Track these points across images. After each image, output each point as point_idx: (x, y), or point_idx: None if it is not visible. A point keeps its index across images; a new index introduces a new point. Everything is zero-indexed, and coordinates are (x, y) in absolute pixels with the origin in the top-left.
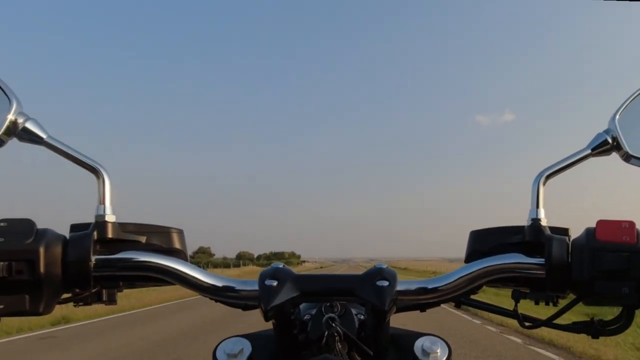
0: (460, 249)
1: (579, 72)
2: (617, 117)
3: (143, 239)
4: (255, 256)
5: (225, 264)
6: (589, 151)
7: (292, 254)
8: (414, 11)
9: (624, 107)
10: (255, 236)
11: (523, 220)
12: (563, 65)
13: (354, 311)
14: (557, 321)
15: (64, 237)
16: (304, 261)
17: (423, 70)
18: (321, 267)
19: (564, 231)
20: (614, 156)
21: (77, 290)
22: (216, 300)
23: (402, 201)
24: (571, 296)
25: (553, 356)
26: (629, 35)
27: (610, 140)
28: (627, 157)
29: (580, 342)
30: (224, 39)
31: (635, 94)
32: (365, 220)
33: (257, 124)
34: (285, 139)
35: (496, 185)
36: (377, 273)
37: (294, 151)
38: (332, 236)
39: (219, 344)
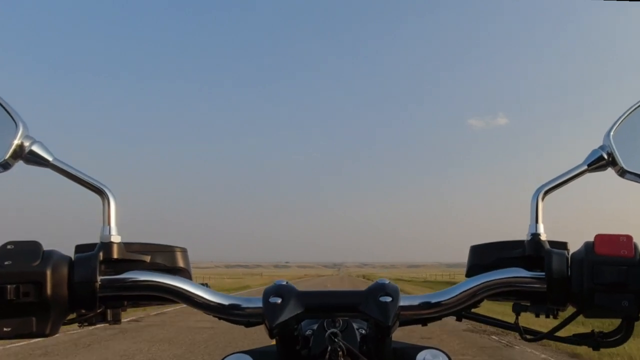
0: (456, 254)
1: (573, 76)
2: (612, 133)
3: (147, 259)
4: None
5: None
6: (585, 167)
7: None
8: (408, 18)
9: (618, 123)
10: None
11: (522, 235)
12: (558, 69)
13: (355, 326)
14: (558, 333)
15: (70, 258)
16: None
17: (419, 74)
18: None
19: (563, 245)
20: (610, 172)
21: (83, 310)
22: (220, 318)
23: (396, 206)
24: (571, 309)
25: None
26: (624, 42)
27: (605, 156)
28: (622, 173)
29: None
30: (222, 44)
31: (629, 111)
32: (359, 225)
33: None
34: (282, 142)
35: (491, 188)
36: (380, 288)
37: (291, 152)
38: (324, 240)
39: None
